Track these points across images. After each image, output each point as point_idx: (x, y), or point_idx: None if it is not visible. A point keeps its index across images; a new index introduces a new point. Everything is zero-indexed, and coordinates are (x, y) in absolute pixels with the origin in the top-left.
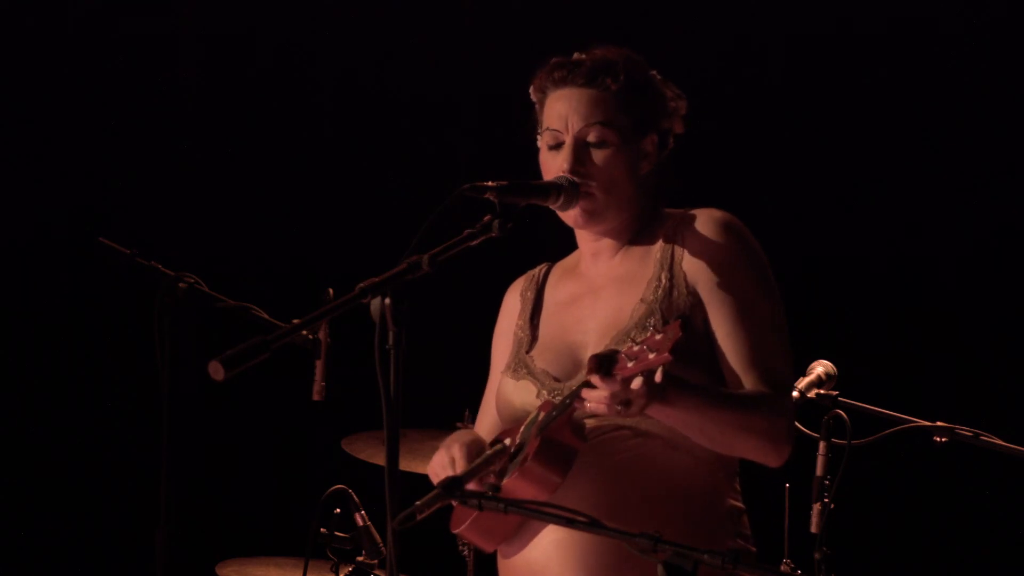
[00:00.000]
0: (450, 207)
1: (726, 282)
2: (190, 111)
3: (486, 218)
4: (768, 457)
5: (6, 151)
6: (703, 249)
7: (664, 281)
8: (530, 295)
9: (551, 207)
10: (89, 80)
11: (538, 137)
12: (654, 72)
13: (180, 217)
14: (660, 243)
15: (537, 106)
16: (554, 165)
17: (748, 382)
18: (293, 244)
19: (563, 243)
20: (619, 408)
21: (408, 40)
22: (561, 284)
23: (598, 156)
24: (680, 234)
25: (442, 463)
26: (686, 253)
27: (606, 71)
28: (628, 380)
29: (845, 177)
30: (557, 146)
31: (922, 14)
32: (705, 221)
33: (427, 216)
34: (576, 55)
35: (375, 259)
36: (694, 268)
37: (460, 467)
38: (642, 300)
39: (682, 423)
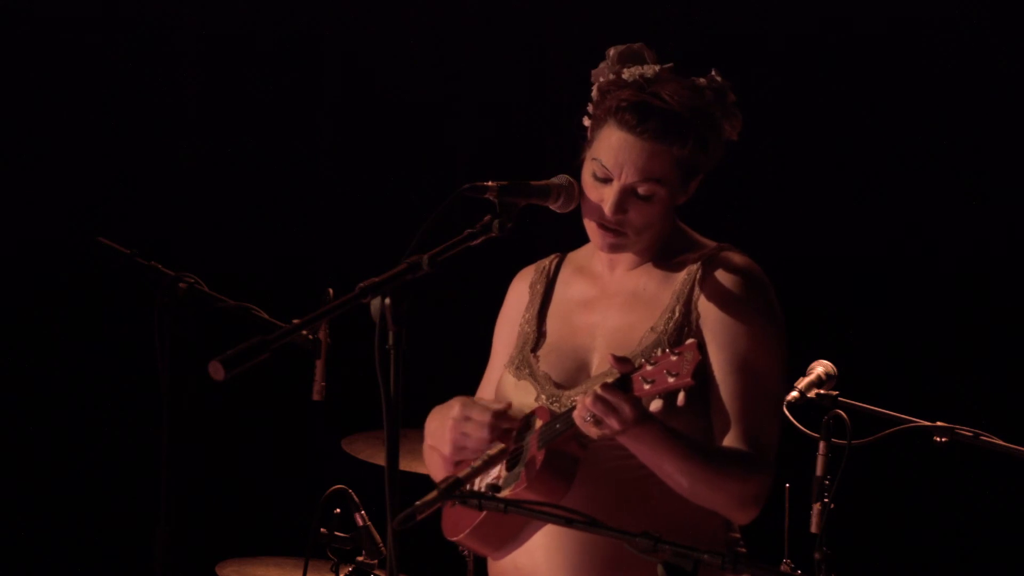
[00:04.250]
0: (450, 207)
1: (732, 332)
2: (190, 111)
3: (486, 218)
4: (733, 515)
5: (6, 151)
6: (720, 294)
7: (677, 315)
8: (540, 288)
9: (551, 207)
10: (89, 80)
11: (585, 143)
12: (715, 85)
13: (180, 217)
14: (684, 274)
15: (593, 121)
16: (595, 196)
17: (731, 436)
18: (293, 244)
19: (565, 243)
20: (591, 423)
21: (408, 40)
22: (574, 281)
23: (643, 207)
24: (703, 271)
25: (462, 429)
26: (703, 292)
27: (676, 133)
28: (639, 399)
29: (845, 177)
30: (604, 180)
31: (921, 14)
32: (730, 266)
33: (427, 216)
34: (651, 85)
35: (375, 259)
36: (707, 310)
37: (484, 418)
38: (652, 329)
39: (652, 463)
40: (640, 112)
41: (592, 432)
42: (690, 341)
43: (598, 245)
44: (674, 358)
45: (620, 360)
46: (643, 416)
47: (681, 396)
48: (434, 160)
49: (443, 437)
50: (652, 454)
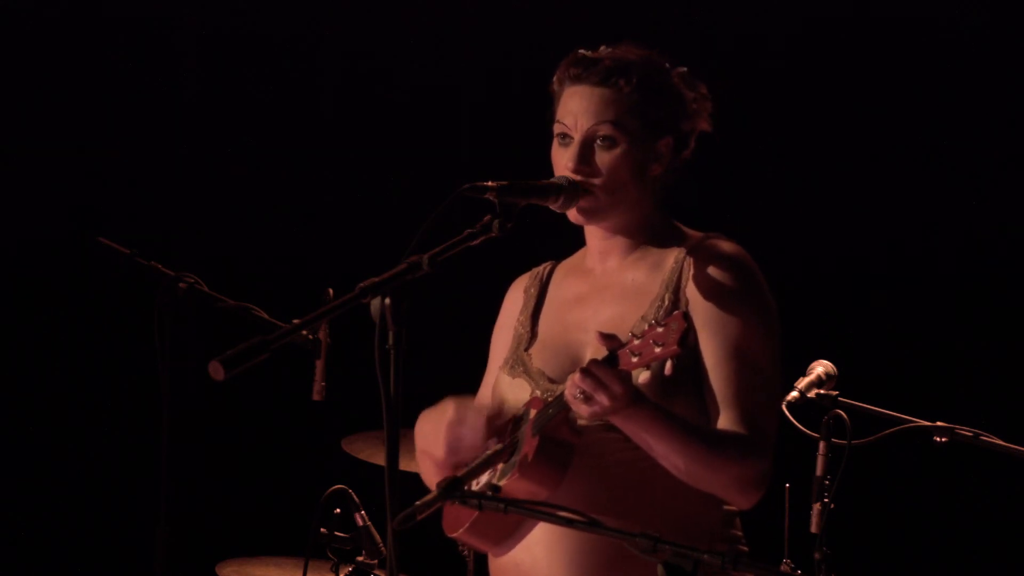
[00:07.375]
0: (450, 207)
1: (723, 317)
2: (190, 110)
3: (486, 218)
4: (735, 499)
5: (6, 151)
6: (708, 279)
7: (667, 303)
8: (533, 291)
9: (551, 207)
10: (89, 79)
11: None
12: (680, 70)
13: (180, 217)
14: (672, 262)
15: (555, 99)
16: (561, 160)
17: (726, 420)
18: (293, 244)
19: (565, 243)
20: (581, 401)
21: (409, 39)
22: (566, 282)
23: (605, 156)
24: (691, 258)
25: (457, 433)
26: (692, 279)
27: (620, 72)
28: (628, 375)
29: (845, 176)
30: (566, 142)
31: (920, 14)
32: (717, 252)
33: (427, 216)
34: (599, 51)
35: (375, 259)
36: (696, 297)
37: (479, 422)
38: (643, 318)
39: (647, 444)
40: (585, 61)
41: (583, 410)
42: (676, 312)
43: (573, 218)
44: (660, 329)
45: (607, 336)
46: (634, 394)
47: (668, 365)
48: (434, 160)
49: (437, 440)
50: (646, 434)
